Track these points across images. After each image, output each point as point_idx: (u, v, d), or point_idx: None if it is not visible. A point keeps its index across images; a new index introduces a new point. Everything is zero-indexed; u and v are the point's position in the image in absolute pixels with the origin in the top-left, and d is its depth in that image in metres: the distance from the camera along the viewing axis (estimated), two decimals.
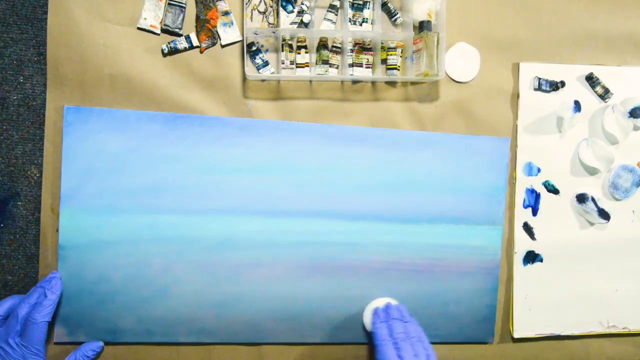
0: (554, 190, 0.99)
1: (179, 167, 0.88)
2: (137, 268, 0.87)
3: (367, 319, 0.91)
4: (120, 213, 0.87)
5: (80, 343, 0.88)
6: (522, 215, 0.99)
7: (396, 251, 0.94)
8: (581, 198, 0.99)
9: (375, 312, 0.89)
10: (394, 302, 0.92)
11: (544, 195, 0.99)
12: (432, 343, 0.96)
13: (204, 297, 0.89)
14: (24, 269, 0.88)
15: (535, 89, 0.98)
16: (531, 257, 0.99)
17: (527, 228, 0.99)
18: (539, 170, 0.99)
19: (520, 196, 0.98)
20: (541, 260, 1.00)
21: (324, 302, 0.92)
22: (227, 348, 0.92)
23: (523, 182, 0.98)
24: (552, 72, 0.98)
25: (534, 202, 0.99)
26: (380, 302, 0.92)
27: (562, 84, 0.98)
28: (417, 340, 0.84)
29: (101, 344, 0.88)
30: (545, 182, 0.99)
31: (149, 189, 0.87)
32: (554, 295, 1.00)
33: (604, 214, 0.99)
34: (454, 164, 0.95)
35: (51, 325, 0.87)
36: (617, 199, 1.01)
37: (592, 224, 1.01)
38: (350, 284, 0.93)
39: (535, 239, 0.99)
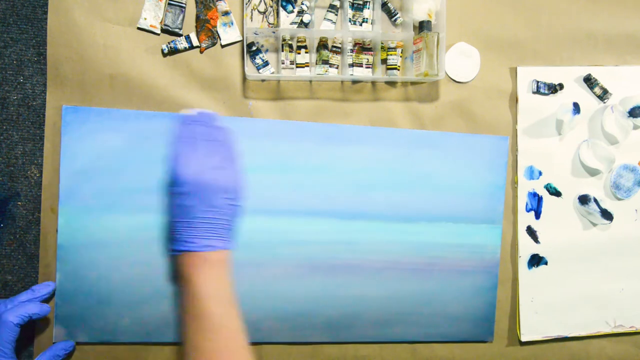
0: (556, 193, 0.99)
1: None
2: (136, 268, 0.87)
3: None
4: (119, 213, 0.87)
5: (79, 343, 0.88)
6: (525, 219, 0.99)
7: (396, 250, 0.94)
8: (583, 199, 0.99)
9: (181, 116, 0.75)
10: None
11: (546, 198, 0.99)
12: (432, 342, 0.97)
13: None
14: (24, 269, 0.88)
15: (533, 92, 0.98)
16: (536, 261, 0.99)
17: (531, 231, 0.99)
18: (540, 173, 0.98)
19: (522, 200, 0.98)
20: (546, 263, 0.99)
21: (323, 301, 0.92)
22: None
23: (525, 186, 0.98)
24: (550, 74, 0.98)
25: (536, 206, 0.99)
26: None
27: (561, 86, 0.98)
28: (220, 143, 0.73)
29: (72, 343, 0.87)
30: (547, 185, 0.99)
31: (148, 188, 0.87)
32: (560, 297, 1.00)
33: (606, 215, 0.99)
34: (452, 162, 0.95)
35: (50, 325, 0.87)
36: (619, 199, 1.00)
37: (595, 224, 1.01)
38: (349, 283, 0.93)
39: (539, 242, 0.99)
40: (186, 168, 0.69)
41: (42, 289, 0.85)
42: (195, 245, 0.68)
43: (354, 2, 0.92)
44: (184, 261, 0.69)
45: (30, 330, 0.87)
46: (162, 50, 0.89)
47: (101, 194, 0.86)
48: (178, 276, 0.70)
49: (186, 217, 0.69)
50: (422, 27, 0.90)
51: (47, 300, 0.86)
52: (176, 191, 0.68)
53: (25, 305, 0.81)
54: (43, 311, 0.82)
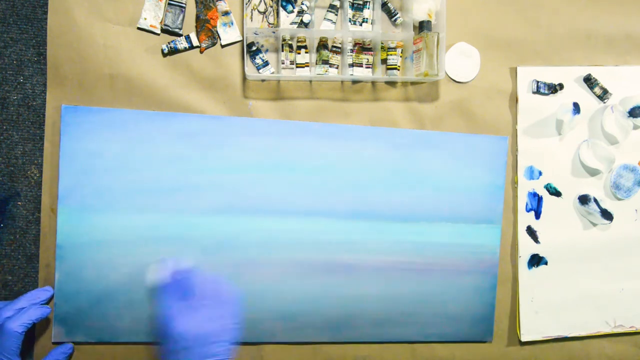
0: (556, 193, 0.99)
1: (178, 166, 0.88)
2: (135, 267, 0.87)
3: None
4: (118, 212, 0.87)
5: (78, 343, 0.88)
6: (525, 219, 0.99)
7: (395, 250, 0.94)
8: (583, 199, 0.99)
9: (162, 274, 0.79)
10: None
11: (546, 198, 0.99)
12: (432, 342, 0.97)
13: None
14: (24, 269, 0.88)
15: (533, 92, 0.98)
16: (536, 261, 0.99)
17: (531, 231, 0.99)
18: (540, 173, 0.98)
19: (522, 200, 0.98)
20: (546, 263, 0.99)
21: (323, 301, 0.92)
22: None
23: (525, 186, 0.98)
24: (550, 74, 0.98)
25: (536, 206, 0.99)
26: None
27: (561, 86, 0.98)
28: (206, 296, 0.77)
29: (71, 345, 0.87)
30: (547, 185, 0.99)
31: (147, 188, 0.87)
32: (560, 297, 1.00)
33: (606, 215, 0.99)
34: (452, 162, 0.95)
35: (49, 325, 0.87)
36: (619, 199, 1.00)
37: (595, 224, 1.01)
38: (349, 283, 0.93)
39: (539, 242, 0.99)
40: (181, 326, 0.74)
41: (41, 294, 0.84)
42: None
43: (354, 2, 0.92)
44: None
45: (30, 330, 0.87)
46: (162, 50, 0.89)
47: (101, 193, 0.86)
48: None
49: None
50: (422, 27, 0.90)
51: (46, 303, 0.85)
52: (173, 348, 0.74)
53: (26, 312, 0.80)
54: (45, 314, 0.82)
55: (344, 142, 0.92)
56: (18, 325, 0.79)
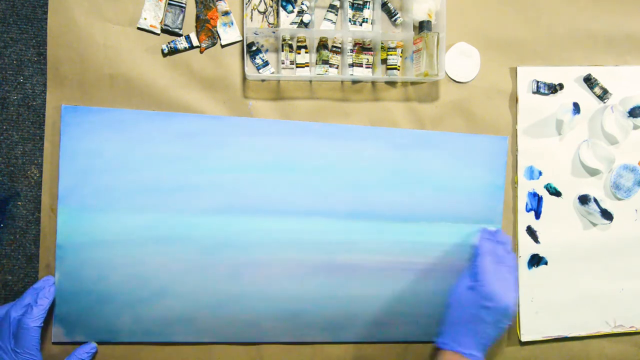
0: (556, 193, 0.99)
1: (178, 166, 0.88)
2: (135, 267, 0.87)
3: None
4: (118, 212, 0.87)
5: (78, 343, 0.88)
6: (525, 219, 0.99)
7: (395, 250, 0.94)
8: (583, 199, 0.99)
9: (484, 230, 0.95)
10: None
11: (546, 198, 0.99)
12: (431, 342, 0.96)
13: (202, 297, 0.89)
14: (24, 269, 0.88)
15: (533, 92, 0.98)
16: (536, 261, 0.99)
17: (531, 231, 0.99)
18: (540, 173, 0.98)
19: (522, 200, 0.98)
20: (546, 263, 0.99)
21: (323, 301, 0.92)
22: (226, 347, 0.92)
23: (525, 186, 0.98)
24: (550, 74, 0.98)
25: (536, 206, 0.99)
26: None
27: (561, 86, 0.98)
28: (509, 270, 0.88)
29: (94, 344, 0.88)
30: (547, 185, 0.99)
31: (147, 188, 0.87)
32: (560, 297, 1.00)
33: (606, 215, 0.99)
34: (452, 162, 0.95)
35: (49, 325, 0.87)
36: (619, 199, 1.00)
37: (595, 224, 1.01)
38: (349, 283, 0.93)
39: (539, 242, 0.99)
40: (496, 286, 0.84)
41: (41, 284, 0.85)
42: (464, 349, 0.84)
43: (354, 2, 0.92)
44: (447, 357, 0.85)
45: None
46: (162, 50, 0.89)
47: (101, 193, 0.86)
48: None
49: (476, 325, 0.84)
50: (422, 27, 0.90)
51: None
52: (483, 304, 0.84)
53: (38, 305, 0.81)
54: (52, 296, 0.84)
55: (344, 142, 0.92)
56: (34, 319, 0.80)
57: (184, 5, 0.89)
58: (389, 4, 0.93)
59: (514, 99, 0.98)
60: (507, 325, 0.85)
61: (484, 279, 0.85)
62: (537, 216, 0.99)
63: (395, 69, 0.93)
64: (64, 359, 0.87)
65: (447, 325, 0.88)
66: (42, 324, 0.81)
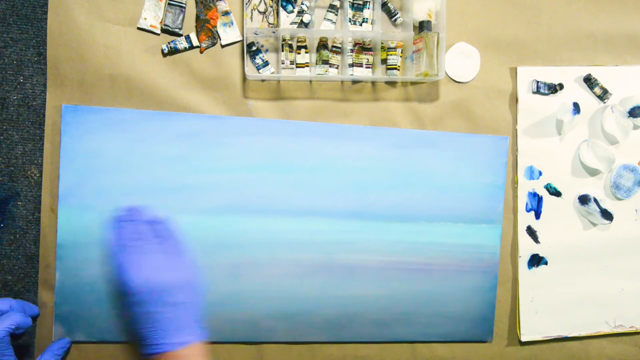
0: (556, 193, 0.99)
1: (178, 166, 0.88)
2: None
3: None
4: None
5: (78, 342, 0.88)
6: (525, 219, 0.99)
7: (395, 250, 0.94)
8: (583, 199, 0.99)
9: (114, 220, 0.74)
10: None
11: (546, 198, 0.99)
12: (432, 342, 0.97)
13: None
14: (24, 269, 0.88)
15: (533, 92, 0.98)
16: (536, 261, 0.99)
17: (531, 231, 0.99)
18: (540, 173, 0.98)
19: (522, 200, 0.98)
20: (546, 263, 0.99)
21: (323, 301, 0.92)
22: (226, 347, 0.92)
23: (525, 186, 0.98)
24: (550, 74, 0.98)
25: (536, 206, 0.99)
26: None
27: (561, 86, 0.98)
28: (161, 239, 0.71)
29: (68, 339, 0.87)
30: (547, 185, 0.99)
31: (147, 188, 0.87)
32: (560, 297, 1.00)
33: (606, 215, 0.99)
34: (452, 162, 0.95)
35: (50, 324, 0.87)
36: (619, 199, 1.00)
37: (595, 224, 1.01)
38: (349, 283, 0.93)
39: (539, 242, 0.99)
40: (134, 277, 0.67)
41: (28, 307, 0.84)
42: (167, 345, 0.67)
43: (354, 2, 0.92)
44: None
45: (31, 329, 0.87)
46: (162, 50, 0.89)
47: (100, 193, 0.86)
48: None
49: (149, 322, 0.67)
50: (422, 27, 0.90)
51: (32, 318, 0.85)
52: (130, 301, 0.67)
53: (8, 317, 0.79)
54: (26, 324, 0.81)
55: (344, 142, 0.92)
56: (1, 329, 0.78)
57: (184, 5, 0.89)
58: (389, 4, 0.93)
59: (514, 99, 0.98)
60: (177, 295, 0.69)
61: (115, 277, 0.69)
62: (537, 216, 0.99)
63: (395, 69, 0.93)
64: (67, 358, 0.88)
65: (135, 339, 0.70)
66: (6, 336, 0.78)
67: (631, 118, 0.98)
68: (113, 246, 0.71)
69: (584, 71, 0.99)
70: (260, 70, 0.91)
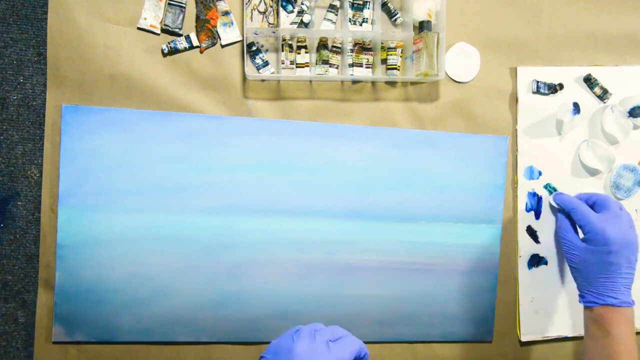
0: None
1: (178, 166, 0.88)
2: (135, 267, 0.87)
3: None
4: (118, 212, 0.87)
5: (78, 342, 0.87)
6: (525, 219, 0.99)
7: (395, 250, 0.94)
8: None
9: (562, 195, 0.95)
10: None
11: (546, 198, 0.99)
12: (432, 342, 0.97)
13: (202, 297, 0.89)
14: (24, 269, 0.88)
15: (533, 92, 0.98)
16: (536, 261, 0.99)
17: (531, 231, 0.99)
18: (540, 173, 0.98)
19: (522, 200, 0.98)
20: (546, 263, 0.99)
21: (322, 301, 0.92)
22: (226, 347, 0.92)
23: (525, 186, 0.98)
24: (550, 74, 0.98)
25: (536, 206, 0.99)
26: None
27: (561, 86, 0.98)
28: (614, 210, 0.88)
29: None
30: (547, 184, 0.99)
31: (147, 187, 0.87)
32: (560, 297, 1.00)
33: None
34: (452, 162, 0.95)
35: (49, 324, 0.87)
36: (619, 199, 1.00)
37: None
38: (348, 283, 0.93)
39: (539, 242, 0.99)
40: (615, 228, 0.84)
41: None
42: (617, 300, 0.83)
43: (354, 2, 0.92)
44: (602, 314, 0.84)
45: (31, 329, 0.87)
46: (162, 50, 0.89)
47: (100, 192, 0.86)
48: (592, 326, 0.84)
49: (610, 273, 0.83)
50: (422, 27, 0.90)
51: None
52: (604, 250, 0.84)
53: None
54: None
55: (344, 142, 0.92)
56: None
57: (184, 5, 0.89)
58: (389, 4, 0.93)
59: (514, 99, 0.98)
60: (638, 258, 0.86)
61: (592, 227, 0.86)
62: (537, 216, 0.99)
63: (395, 69, 0.93)
64: (67, 358, 0.87)
65: (583, 285, 0.87)
66: None
67: (631, 118, 0.98)
68: (578, 209, 0.90)
69: (584, 71, 0.99)
70: (260, 70, 0.91)
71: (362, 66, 0.93)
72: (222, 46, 0.90)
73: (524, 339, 0.99)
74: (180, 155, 0.88)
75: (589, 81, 0.98)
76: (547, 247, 0.99)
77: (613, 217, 0.86)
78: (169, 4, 0.88)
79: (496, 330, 0.99)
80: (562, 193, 0.95)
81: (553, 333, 1.00)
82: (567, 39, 0.99)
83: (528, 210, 0.99)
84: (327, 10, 0.92)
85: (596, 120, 0.99)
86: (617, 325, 0.82)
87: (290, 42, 0.91)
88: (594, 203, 0.91)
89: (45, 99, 0.87)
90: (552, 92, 0.98)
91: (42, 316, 0.87)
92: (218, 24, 0.89)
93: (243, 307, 0.91)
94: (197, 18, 0.89)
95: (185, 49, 0.89)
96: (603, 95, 0.99)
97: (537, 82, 0.97)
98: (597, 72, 0.99)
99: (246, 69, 0.90)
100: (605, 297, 0.84)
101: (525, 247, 0.99)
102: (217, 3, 0.89)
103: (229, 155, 0.89)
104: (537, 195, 0.98)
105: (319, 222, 0.91)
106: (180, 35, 0.89)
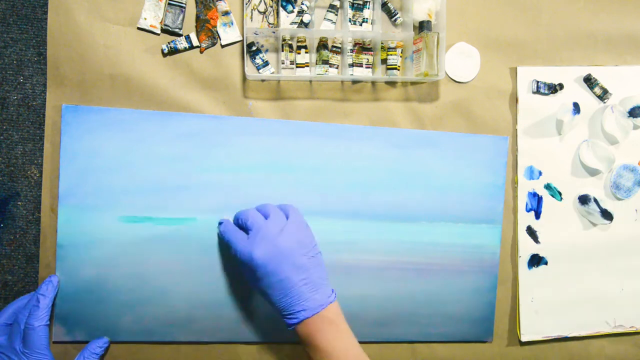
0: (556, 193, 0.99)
1: (178, 166, 0.88)
2: (135, 267, 0.87)
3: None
4: (118, 212, 0.87)
5: (78, 342, 0.87)
6: (525, 219, 0.99)
7: (395, 250, 0.94)
8: (583, 199, 0.99)
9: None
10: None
11: (546, 198, 0.99)
12: (432, 342, 0.97)
13: (202, 296, 0.89)
14: (24, 269, 0.88)
15: (533, 92, 0.98)
16: (536, 261, 0.99)
17: (531, 231, 0.99)
18: (540, 173, 0.98)
19: (522, 200, 0.98)
20: (546, 263, 0.99)
21: None
22: (226, 347, 0.92)
23: (525, 186, 0.98)
24: (550, 74, 0.98)
25: (536, 206, 0.99)
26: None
27: (561, 86, 0.98)
28: (266, 210, 0.83)
29: (107, 339, 0.87)
30: (547, 184, 0.99)
31: (147, 187, 0.87)
32: (560, 297, 1.00)
33: (606, 215, 0.99)
34: (452, 162, 0.95)
35: (50, 324, 0.87)
36: (619, 199, 1.00)
37: (595, 224, 1.01)
38: (348, 283, 0.93)
39: (539, 242, 0.99)
40: (261, 248, 0.77)
41: (45, 283, 0.85)
42: (308, 310, 0.76)
43: (354, 2, 0.92)
44: (306, 330, 0.77)
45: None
46: (162, 50, 0.89)
47: (100, 192, 0.86)
48: (306, 345, 0.78)
49: (285, 290, 0.76)
50: (422, 27, 0.90)
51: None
52: (263, 273, 0.77)
53: (40, 304, 0.82)
54: (52, 293, 0.84)
55: (344, 142, 0.92)
56: (39, 319, 0.80)
57: (184, 5, 0.89)
58: (389, 4, 0.93)
59: (514, 99, 0.98)
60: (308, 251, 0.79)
61: (242, 256, 0.78)
62: (537, 216, 0.99)
63: (395, 69, 0.93)
64: (67, 358, 0.87)
65: (277, 311, 0.79)
66: (47, 322, 0.81)
67: (631, 118, 0.98)
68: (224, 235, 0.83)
69: (584, 71, 0.99)
70: (260, 70, 0.91)
71: (362, 66, 0.93)
72: (222, 46, 0.90)
73: (524, 339, 0.99)
74: (181, 155, 0.88)
75: (589, 81, 0.98)
76: (547, 247, 0.99)
77: (256, 235, 0.78)
78: (169, 4, 0.88)
79: (496, 330, 0.99)
80: (227, 222, 0.86)
81: (553, 333, 1.00)
82: (567, 39, 0.99)
83: (528, 210, 0.99)
84: (327, 10, 0.92)
85: (596, 120, 0.99)
86: (320, 332, 0.76)
87: (290, 42, 0.91)
88: (244, 224, 0.82)
89: (45, 99, 0.87)
90: (552, 92, 0.98)
91: None
92: (218, 24, 0.89)
93: (243, 306, 0.91)
94: (197, 18, 0.89)
95: (185, 49, 0.89)
96: (603, 95, 0.99)
97: (537, 82, 0.97)
98: (597, 72, 0.99)
99: (246, 69, 0.90)
100: (296, 314, 0.77)
101: (525, 247, 0.99)
102: (217, 3, 0.89)
103: (229, 155, 0.89)
104: (537, 195, 0.99)
105: (319, 222, 0.91)
106: (180, 35, 0.89)
